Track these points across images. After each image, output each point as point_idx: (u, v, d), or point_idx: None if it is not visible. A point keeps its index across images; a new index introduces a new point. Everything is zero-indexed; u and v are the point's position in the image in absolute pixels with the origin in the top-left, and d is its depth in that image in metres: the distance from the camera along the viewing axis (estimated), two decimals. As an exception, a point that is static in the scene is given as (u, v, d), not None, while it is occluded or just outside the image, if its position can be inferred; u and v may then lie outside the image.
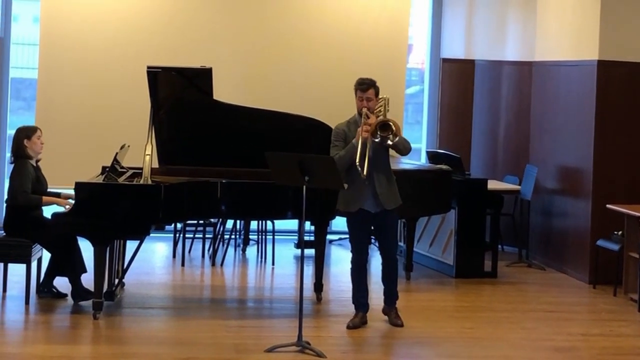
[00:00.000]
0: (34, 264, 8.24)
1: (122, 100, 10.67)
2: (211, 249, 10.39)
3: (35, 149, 8.22)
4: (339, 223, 10.70)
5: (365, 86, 7.58)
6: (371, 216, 7.69)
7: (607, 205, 9.27)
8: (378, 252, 7.98)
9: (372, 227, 7.87)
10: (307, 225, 9.07)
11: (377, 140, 7.44)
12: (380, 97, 7.63)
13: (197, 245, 10.69)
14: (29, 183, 8.06)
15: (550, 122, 10.59)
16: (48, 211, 8.17)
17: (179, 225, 10.37)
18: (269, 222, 10.47)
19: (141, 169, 8.07)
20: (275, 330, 7.66)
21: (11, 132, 8.75)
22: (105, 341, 7.37)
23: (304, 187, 7.14)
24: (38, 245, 8.20)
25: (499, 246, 10.42)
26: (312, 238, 8.72)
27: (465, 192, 9.82)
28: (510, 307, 8.75)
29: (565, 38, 10.40)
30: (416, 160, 11.01)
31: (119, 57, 10.77)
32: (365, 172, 7.38)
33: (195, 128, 8.61)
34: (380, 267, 7.94)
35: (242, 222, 10.90)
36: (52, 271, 8.28)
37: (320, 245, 8.53)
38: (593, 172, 9.72)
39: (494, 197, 10.10)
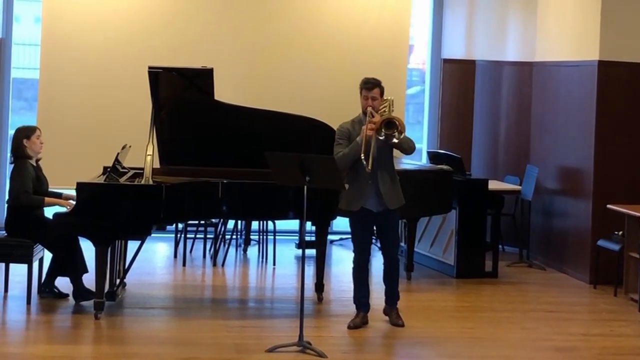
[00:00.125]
0: (35, 264, 8.25)
1: (123, 100, 10.67)
2: (212, 249, 10.40)
3: (35, 148, 8.22)
4: (340, 223, 10.72)
5: (371, 85, 7.61)
6: (373, 215, 7.70)
7: (608, 206, 9.28)
8: (379, 252, 7.99)
9: (374, 227, 7.88)
10: (308, 226, 9.08)
11: (381, 138, 7.44)
12: (384, 98, 7.65)
13: (199, 246, 10.70)
14: (30, 183, 8.07)
15: (551, 122, 10.60)
16: (49, 211, 8.18)
17: (180, 226, 10.38)
18: (270, 223, 10.48)
19: (142, 169, 8.09)
20: (276, 330, 7.67)
21: (13, 132, 8.76)
22: (107, 341, 7.38)
23: (305, 187, 7.15)
24: (39, 246, 8.21)
25: (500, 246, 10.42)
26: (313, 238, 8.74)
27: (466, 193, 9.83)
28: (510, 307, 8.76)
29: (565, 38, 10.41)
30: (417, 160, 11.02)
31: (120, 57, 10.78)
32: (370, 166, 7.40)
33: (196, 128, 8.62)
34: (381, 267, 7.96)
35: (243, 222, 10.91)
36: (54, 271, 8.29)
37: (321, 245, 8.53)
38: (593, 172, 9.73)
39: (494, 198, 10.11)
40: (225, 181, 8.13)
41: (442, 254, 10.06)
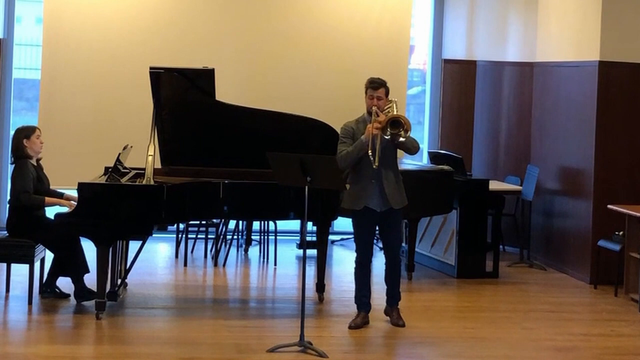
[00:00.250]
0: (36, 265, 8.26)
1: (124, 101, 10.68)
2: (213, 250, 10.41)
3: (35, 148, 8.23)
4: (341, 223, 10.73)
5: (377, 84, 7.63)
6: (376, 215, 7.70)
7: (608, 206, 9.28)
8: (380, 252, 8.00)
9: (377, 227, 7.88)
10: (309, 226, 9.09)
11: (387, 137, 7.45)
12: (389, 99, 7.66)
13: (200, 246, 10.71)
14: (30, 183, 8.08)
15: (552, 122, 10.61)
16: (51, 212, 8.19)
17: (181, 226, 10.40)
18: (271, 223, 10.49)
19: (144, 169, 8.10)
20: (277, 330, 7.68)
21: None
22: (108, 341, 7.38)
23: (306, 187, 7.16)
24: (41, 246, 8.22)
25: (501, 246, 10.43)
26: (314, 238, 8.75)
27: (466, 193, 9.83)
28: (511, 307, 8.77)
29: (566, 39, 10.42)
30: (418, 160, 11.02)
31: (121, 57, 10.78)
32: (377, 163, 7.41)
33: (197, 128, 8.63)
34: (382, 267, 7.96)
35: (245, 222, 10.92)
36: (55, 271, 8.30)
37: (322, 245, 8.54)
38: (594, 172, 9.74)
39: (495, 198, 10.12)
40: (226, 181, 8.14)
41: (443, 254, 10.07)
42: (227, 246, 10.46)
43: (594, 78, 9.73)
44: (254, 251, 10.87)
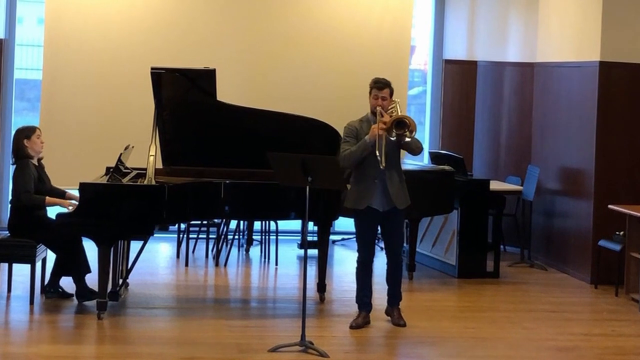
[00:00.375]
0: (38, 264, 8.27)
1: (126, 101, 10.68)
2: (215, 249, 10.42)
3: (36, 148, 8.24)
4: (342, 223, 10.73)
5: (382, 85, 7.63)
6: (379, 215, 7.71)
7: (609, 206, 9.29)
8: (382, 252, 8.00)
9: (379, 226, 7.89)
10: (310, 226, 9.09)
11: (393, 138, 7.45)
12: (392, 100, 7.67)
13: (201, 246, 10.72)
14: (31, 183, 8.09)
15: (552, 123, 10.62)
16: (52, 212, 8.20)
17: (182, 226, 10.41)
18: (272, 223, 10.50)
19: (145, 169, 8.11)
20: (278, 330, 7.69)
21: (15, 132, 8.79)
22: (110, 341, 7.39)
23: (307, 187, 7.17)
24: (42, 246, 8.23)
25: (501, 246, 10.45)
26: (315, 238, 8.76)
27: (467, 193, 9.84)
28: (512, 307, 8.78)
29: (567, 39, 10.43)
30: (419, 161, 11.03)
31: (122, 58, 10.78)
32: (384, 163, 7.42)
33: (198, 129, 8.64)
34: (384, 267, 7.97)
35: (246, 222, 10.93)
36: (58, 271, 8.31)
37: (323, 245, 8.55)
38: (595, 172, 9.74)
39: (496, 198, 10.13)
40: (227, 181, 8.15)
41: (444, 254, 10.07)
42: (228, 246, 10.47)
43: (595, 78, 9.74)
44: (255, 251, 10.88)
